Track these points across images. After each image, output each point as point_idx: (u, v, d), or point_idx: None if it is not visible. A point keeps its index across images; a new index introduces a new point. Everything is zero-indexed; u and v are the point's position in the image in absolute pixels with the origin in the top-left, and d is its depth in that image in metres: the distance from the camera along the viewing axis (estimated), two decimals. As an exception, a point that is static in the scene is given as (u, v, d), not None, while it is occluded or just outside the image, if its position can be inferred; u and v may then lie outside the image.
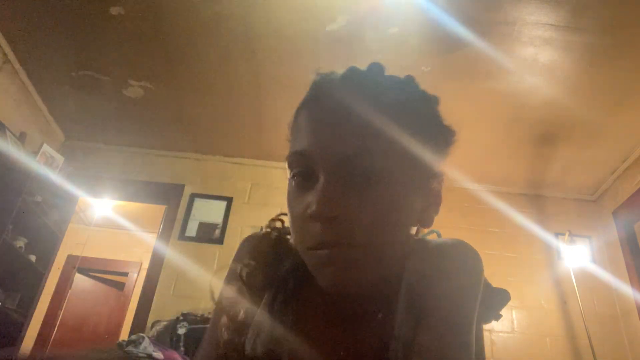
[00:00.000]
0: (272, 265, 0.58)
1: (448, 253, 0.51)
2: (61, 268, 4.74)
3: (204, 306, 2.80)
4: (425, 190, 0.52)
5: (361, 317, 0.53)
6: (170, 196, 3.30)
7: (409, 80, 0.54)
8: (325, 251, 0.45)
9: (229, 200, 3.27)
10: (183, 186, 3.33)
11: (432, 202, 0.53)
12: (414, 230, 0.56)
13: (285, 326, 0.54)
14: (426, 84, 0.55)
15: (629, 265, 2.94)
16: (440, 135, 0.54)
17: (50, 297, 4.58)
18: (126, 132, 3.33)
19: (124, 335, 4.17)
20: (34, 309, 2.88)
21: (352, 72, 0.52)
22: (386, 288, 0.52)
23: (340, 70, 0.54)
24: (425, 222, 0.53)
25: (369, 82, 0.50)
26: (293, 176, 0.50)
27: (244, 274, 0.57)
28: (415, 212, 0.50)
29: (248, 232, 3.28)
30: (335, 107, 0.48)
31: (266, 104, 2.86)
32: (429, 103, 0.54)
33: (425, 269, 0.50)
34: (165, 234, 3.15)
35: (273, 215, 0.62)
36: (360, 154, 0.45)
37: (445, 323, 0.44)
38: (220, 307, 0.58)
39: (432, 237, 0.61)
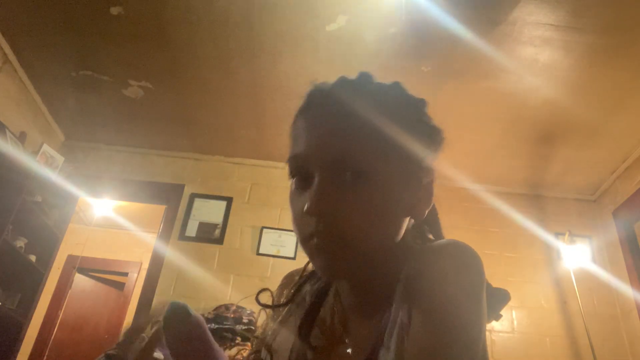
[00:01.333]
0: (296, 286, 0.67)
1: (442, 252, 0.51)
2: (61, 268, 4.74)
3: (204, 306, 2.80)
4: (415, 186, 0.55)
5: (368, 311, 0.56)
6: (170, 196, 3.30)
7: (396, 85, 0.58)
8: (316, 241, 0.49)
9: (229, 200, 3.27)
10: (183, 186, 3.33)
11: (422, 196, 0.56)
12: (405, 223, 0.58)
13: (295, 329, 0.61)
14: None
15: (629, 265, 2.94)
16: (427, 135, 0.58)
17: (50, 297, 4.58)
18: (126, 132, 3.33)
19: (124, 335, 4.16)
20: (34, 309, 2.88)
21: (342, 81, 0.57)
22: (388, 283, 0.54)
23: (337, 72, 0.58)
24: (417, 215, 0.56)
25: (358, 89, 0.55)
26: (293, 177, 0.55)
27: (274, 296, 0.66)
28: (405, 206, 0.54)
29: (248, 232, 3.27)
30: (326, 113, 0.53)
31: (266, 104, 2.86)
32: (415, 106, 0.59)
33: (419, 267, 0.50)
34: (165, 234, 3.15)
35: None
36: (349, 154, 0.50)
37: (439, 321, 0.44)
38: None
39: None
